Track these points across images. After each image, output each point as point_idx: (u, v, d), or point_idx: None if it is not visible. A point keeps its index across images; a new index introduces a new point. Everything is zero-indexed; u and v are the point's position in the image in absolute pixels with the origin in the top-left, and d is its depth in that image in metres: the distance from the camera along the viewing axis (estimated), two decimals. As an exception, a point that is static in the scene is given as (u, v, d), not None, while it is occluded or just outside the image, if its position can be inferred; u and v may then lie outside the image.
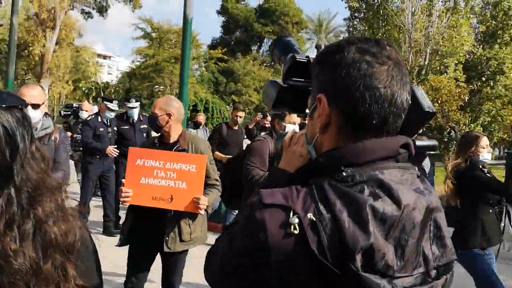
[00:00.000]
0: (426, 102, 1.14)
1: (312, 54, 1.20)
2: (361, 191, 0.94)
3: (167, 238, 3.28)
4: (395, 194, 0.95)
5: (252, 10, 45.27)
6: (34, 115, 3.09)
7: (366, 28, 17.45)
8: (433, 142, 1.26)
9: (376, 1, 16.73)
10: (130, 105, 7.11)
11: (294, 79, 1.20)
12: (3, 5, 32.26)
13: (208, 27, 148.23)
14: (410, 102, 1.05)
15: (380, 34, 17.11)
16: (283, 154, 1.24)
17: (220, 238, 1.10)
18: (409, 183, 1.00)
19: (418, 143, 1.12)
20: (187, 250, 3.42)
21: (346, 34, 24.83)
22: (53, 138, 3.37)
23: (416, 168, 1.06)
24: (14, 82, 15.97)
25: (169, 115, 3.34)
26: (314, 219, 0.92)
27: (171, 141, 3.41)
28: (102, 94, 29.14)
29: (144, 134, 7.17)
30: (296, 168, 1.14)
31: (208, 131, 9.70)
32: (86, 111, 8.67)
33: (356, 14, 18.01)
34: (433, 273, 0.98)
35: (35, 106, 3.13)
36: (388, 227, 0.93)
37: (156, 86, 28.28)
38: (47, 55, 29.14)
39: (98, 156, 6.78)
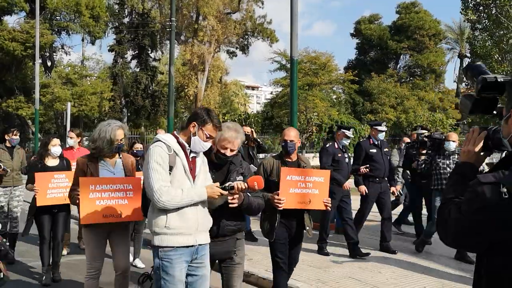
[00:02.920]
0: None
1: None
2: None
3: (308, 228, 4.45)
4: None
5: (386, 28, 44.43)
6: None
7: (488, 38, 17.15)
8: None
9: (495, 11, 16.38)
10: (379, 128, 7.23)
11: (485, 93, 1.59)
12: (165, 54, 37.54)
13: (345, 49, 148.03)
14: None
15: (504, 42, 16.68)
16: (460, 154, 1.71)
17: (444, 212, 1.56)
18: None
19: None
20: None
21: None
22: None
23: None
24: (175, 120, 18.62)
25: (299, 141, 4.59)
26: None
27: (293, 159, 4.57)
28: (243, 124, 31.79)
29: (388, 157, 7.33)
30: (468, 159, 1.62)
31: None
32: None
33: (477, 25, 17.79)
34: None
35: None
36: None
37: (293, 113, 29.86)
38: (199, 94, 32.06)
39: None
